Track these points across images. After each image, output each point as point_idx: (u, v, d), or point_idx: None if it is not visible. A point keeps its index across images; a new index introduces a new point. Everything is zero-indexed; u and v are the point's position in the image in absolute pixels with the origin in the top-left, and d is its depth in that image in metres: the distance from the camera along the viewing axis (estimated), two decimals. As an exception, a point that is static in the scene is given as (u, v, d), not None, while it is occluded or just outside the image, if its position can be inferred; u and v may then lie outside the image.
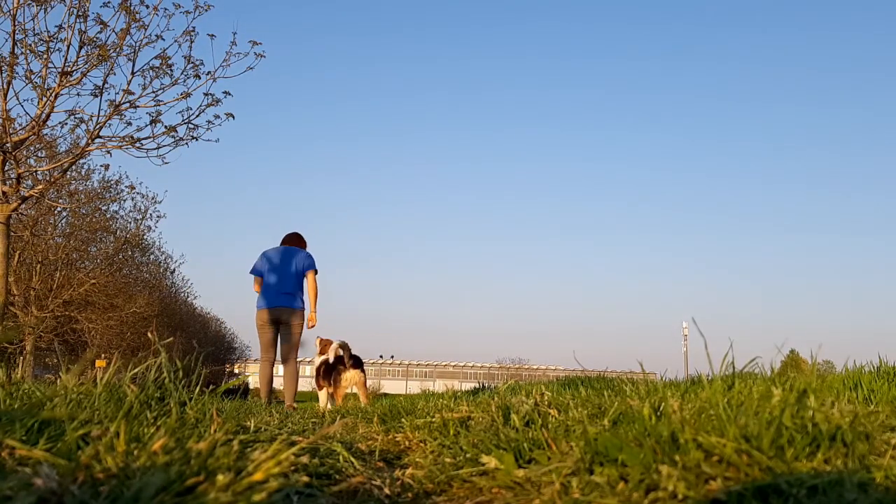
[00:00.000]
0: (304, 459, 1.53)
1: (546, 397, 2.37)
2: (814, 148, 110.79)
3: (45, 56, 7.20)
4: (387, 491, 1.58)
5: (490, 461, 1.64)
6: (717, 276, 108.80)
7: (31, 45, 7.07)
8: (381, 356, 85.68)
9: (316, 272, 7.42)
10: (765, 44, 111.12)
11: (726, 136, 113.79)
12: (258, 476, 1.15)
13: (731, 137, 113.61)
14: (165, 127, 7.71)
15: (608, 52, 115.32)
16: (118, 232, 20.08)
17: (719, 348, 1.81)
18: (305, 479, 1.30)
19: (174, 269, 26.75)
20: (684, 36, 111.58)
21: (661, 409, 1.60)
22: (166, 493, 1.06)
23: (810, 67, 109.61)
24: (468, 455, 1.78)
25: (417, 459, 2.02)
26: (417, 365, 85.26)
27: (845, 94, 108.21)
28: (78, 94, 7.49)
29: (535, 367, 71.23)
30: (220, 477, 1.12)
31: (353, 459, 1.82)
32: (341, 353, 6.64)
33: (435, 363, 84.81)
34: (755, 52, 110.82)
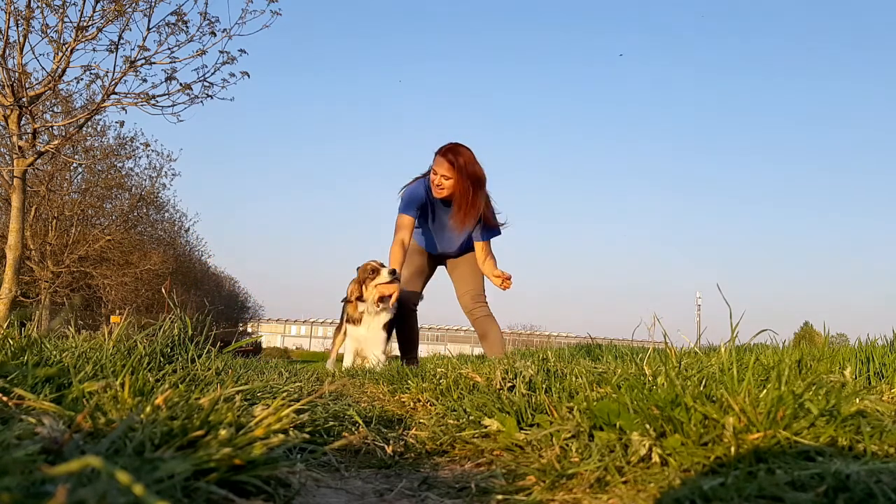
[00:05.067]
0: (305, 417, 1.54)
1: (549, 363, 2.38)
2: (836, 119, 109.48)
3: (61, 10, 7.18)
4: (389, 450, 1.59)
5: (492, 424, 1.65)
6: (735, 247, 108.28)
7: (47, -2, 7.05)
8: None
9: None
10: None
11: (746, 108, 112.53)
12: (259, 432, 1.16)
13: (750, 111, 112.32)
14: (180, 84, 7.70)
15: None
16: (133, 189, 20.19)
17: (735, 319, 1.79)
18: (306, 436, 1.32)
19: (189, 228, 26.88)
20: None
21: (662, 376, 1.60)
22: (168, 446, 1.07)
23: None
24: (471, 417, 1.79)
25: (421, 420, 2.04)
26: (429, 329, 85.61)
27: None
28: (94, 50, 7.50)
29: (546, 333, 71.31)
30: (221, 431, 1.13)
31: (357, 418, 1.84)
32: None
33: (447, 327, 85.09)
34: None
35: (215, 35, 7.72)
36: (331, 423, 1.76)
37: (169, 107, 7.75)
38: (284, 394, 1.72)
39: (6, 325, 2.33)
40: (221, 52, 7.74)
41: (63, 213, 18.13)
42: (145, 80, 7.68)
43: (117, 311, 20.54)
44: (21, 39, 7.11)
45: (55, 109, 10.23)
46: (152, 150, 18.71)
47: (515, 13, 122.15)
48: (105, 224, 19.91)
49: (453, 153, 5.14)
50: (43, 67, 7.50)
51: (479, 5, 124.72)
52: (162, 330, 2.42)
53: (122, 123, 21.12)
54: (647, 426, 1.28)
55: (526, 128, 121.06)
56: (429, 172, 5.33)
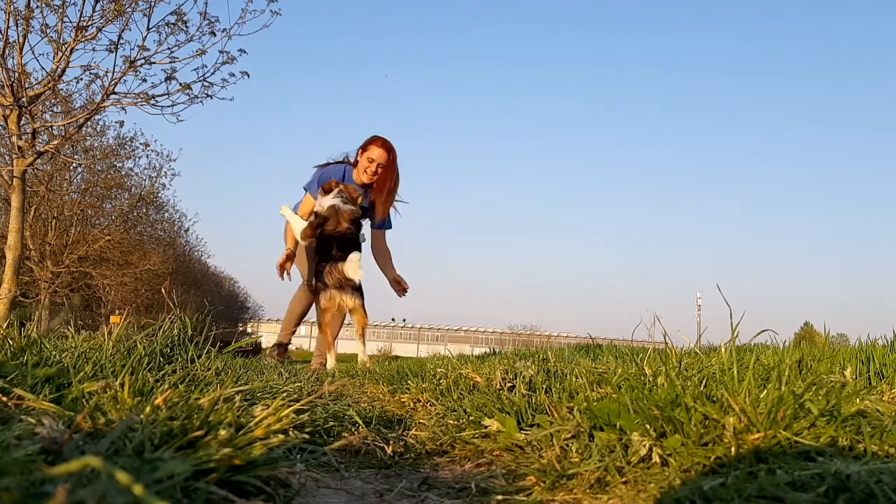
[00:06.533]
0: (305, 417, 1.54)
1: (549, 363, 2.38)
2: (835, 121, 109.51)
3: (60, 10, 7.17)
4: (389, 450, 1.59)
5: (492, 424, 1.65)
6: (735, 247, 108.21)
7: (46, -2, 7.05)
8: (392, 319, 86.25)
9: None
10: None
11: (746, 108, 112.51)
12: (259, 432, 1.16)
13: (749, 111, 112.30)
14: (180, 84, 7.69)
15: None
16: (133, 189, 20.16)
17: (735, 320, 1.79)
18: (306, 436, 1.32)
19: (188, 228, 26.83)
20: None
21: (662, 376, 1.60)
22: (168, 447, 1.07)
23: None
24: (471, 418, 1.79)
25: (421, 420, 2.03)
26: (429, 329, 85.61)
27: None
28: (93, 50, 7.49)
29: (546, 333, 71.17)
30: (221, 432, 1.13)
31: (357, 418, 1.84)
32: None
33: (446, 328, 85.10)
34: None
35: (215, 35, 7.72)
36: (331, 424, 1.76)
37: (168, 107, 7.74)
38: (284, 394, 1.72)
39: (6, 325, 2.33)
40: (221, 51, 7.73)
41: (63, 213, 18.12)
42: (145, 80, 7.67)
43: (117, 312, 20.53)
44: (20, 39, 7.11)
45: (55, 109, 10.22)
46: (152, 150, 18.65)
47: (520, 15, 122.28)
48: (105, 224, 19.89)
49: (390, 145, 5.70)
50: (42, 67, 7.50)
51: (476, 6, 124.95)
52: (161, 330, 2.41)
53: (121, 123, 21.11)
54: (648, 426, 1.28)
55: (525, 129, 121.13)
56: (350, 160, 5.84)
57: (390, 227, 6.15)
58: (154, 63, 7.60)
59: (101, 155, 18.01)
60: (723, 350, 1.66)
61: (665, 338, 1.92)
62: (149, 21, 7.40)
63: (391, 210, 5.95)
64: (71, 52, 7.31)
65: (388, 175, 5.73)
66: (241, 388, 1.59)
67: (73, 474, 0.74)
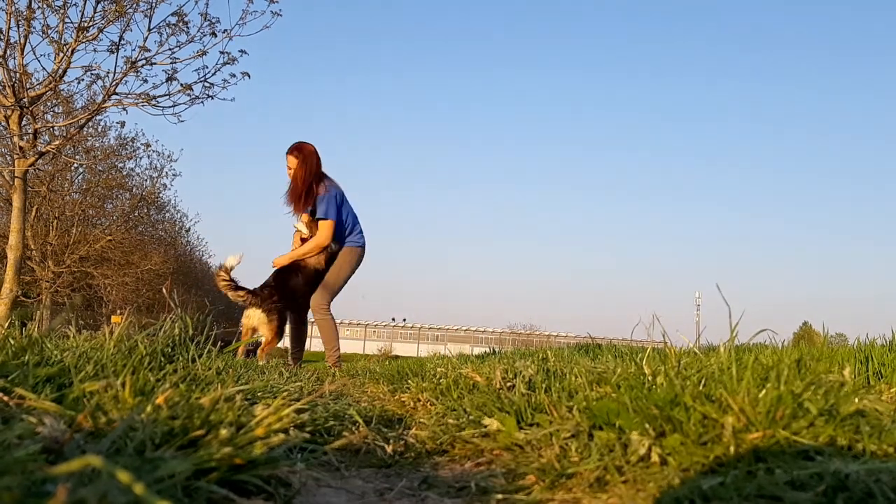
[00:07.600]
0: (306, 416, 1.54)
1: (549, 363, 2.38)
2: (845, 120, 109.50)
3: (61, 11, 7.18)
4: (389, 450, 1.60)
5: (492, 423, 1.65)
6: (734, 247, 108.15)
7: (48, -1, 7.05)
8: (393, 319, 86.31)
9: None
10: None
11: (746, 110, 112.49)
12: (259, 431, 1.16)
13: (749, 112, 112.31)
14: (181, 85, 7.69)
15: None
16: (134, 189, 20.17)
17: (734, 319, 1.79)
18: (306, 435, 1.32)
19: (189, 228, 26.85)
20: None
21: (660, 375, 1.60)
22: (169, 446, 1.07)
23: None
24: (471, 417, 1.79)
25: (422, 420, 2.03)
26: (429, 329, 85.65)
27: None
28: (94, 51, 7.49)
29: (545, 333, 71.10)
30: (222, 431, 1.14)
31: (357, 418, 1.84)
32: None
33: (446, 327, 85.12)
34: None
35: (216, 36, 7.71)
36: (331, 423, 1.76)
37: (170, 107, 7.74)
38: (285, 393, 1.72)
39: (7, 324, 2.33)
40: (222, 52, 7.73)
41: (64, 214, 18.14)
42: (146, 81, 7.67)
43: (118, 311, 20.56)
44: (22, 40, 7.11)
45: (56, 110, 10.24)
46: (153, 151, 18.67)
47: (533, 18, 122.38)
48: (106, 224, 19.92)
49: (292, 147, 6.27)
50: (44, 68, 7.54)
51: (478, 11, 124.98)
52: (163, 330, 2.42)
53: (122, 124, 21.11)
54: (647, 426, 1.28)
55: (525, 129, 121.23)
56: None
57: (325, 217, 6.36)
58: (155, 64, 7.60)
59: (102, 155, 18.03)
60: (722, 349, 1.66)
61: (664, 337, 1.93)
62: (150, 22, 7.40)
63: (323, 199, 6.26)
64: (72, 52, 7.31)
65: (297, 174, 6.23)
66: (241, 387, 1.59)
67: (75, 473, 0.75)
